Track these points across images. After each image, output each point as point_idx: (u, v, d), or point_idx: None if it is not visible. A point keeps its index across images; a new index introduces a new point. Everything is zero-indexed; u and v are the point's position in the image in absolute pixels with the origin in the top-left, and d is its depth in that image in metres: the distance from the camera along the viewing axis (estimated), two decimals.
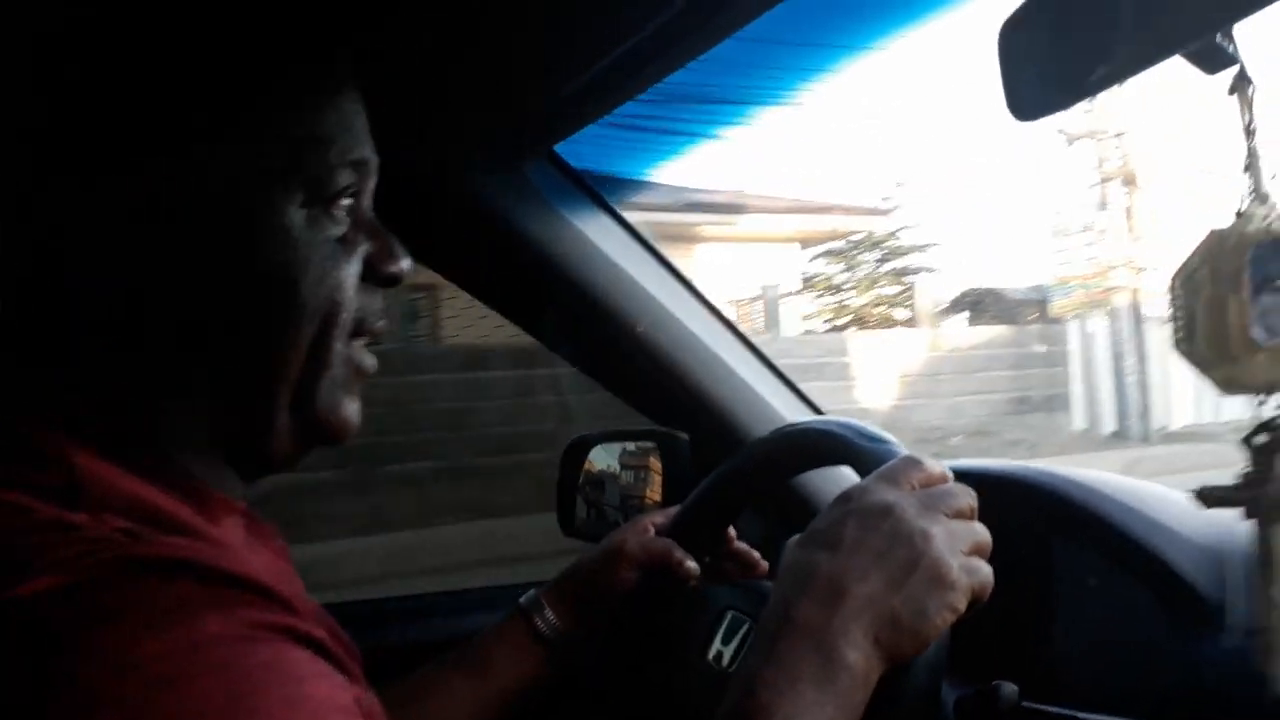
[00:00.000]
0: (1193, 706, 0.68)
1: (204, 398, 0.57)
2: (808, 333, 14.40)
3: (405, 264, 0.63)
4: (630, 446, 1.30)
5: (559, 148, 1.05)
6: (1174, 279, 0.52)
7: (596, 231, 1.09)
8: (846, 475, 1.15)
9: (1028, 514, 0.87)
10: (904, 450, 0.80)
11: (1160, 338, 12.30)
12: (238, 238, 0.55)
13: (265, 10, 0.57)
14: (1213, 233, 0.48)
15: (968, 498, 0.66)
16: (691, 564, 0.97)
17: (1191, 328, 0.49)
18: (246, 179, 0.56)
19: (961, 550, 0.63)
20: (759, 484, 1.02)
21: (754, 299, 13.46)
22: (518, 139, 1.00)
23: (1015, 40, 0.70)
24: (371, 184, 0.63)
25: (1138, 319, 12.57)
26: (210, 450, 0.59)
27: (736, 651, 0.88)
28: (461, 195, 1.03)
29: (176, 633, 0.43)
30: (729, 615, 0.91)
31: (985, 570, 0.63)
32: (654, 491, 1.24)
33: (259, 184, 0.56)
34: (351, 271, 0.60)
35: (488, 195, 1.03)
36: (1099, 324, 12.82)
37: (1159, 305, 11.63)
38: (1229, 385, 0.50)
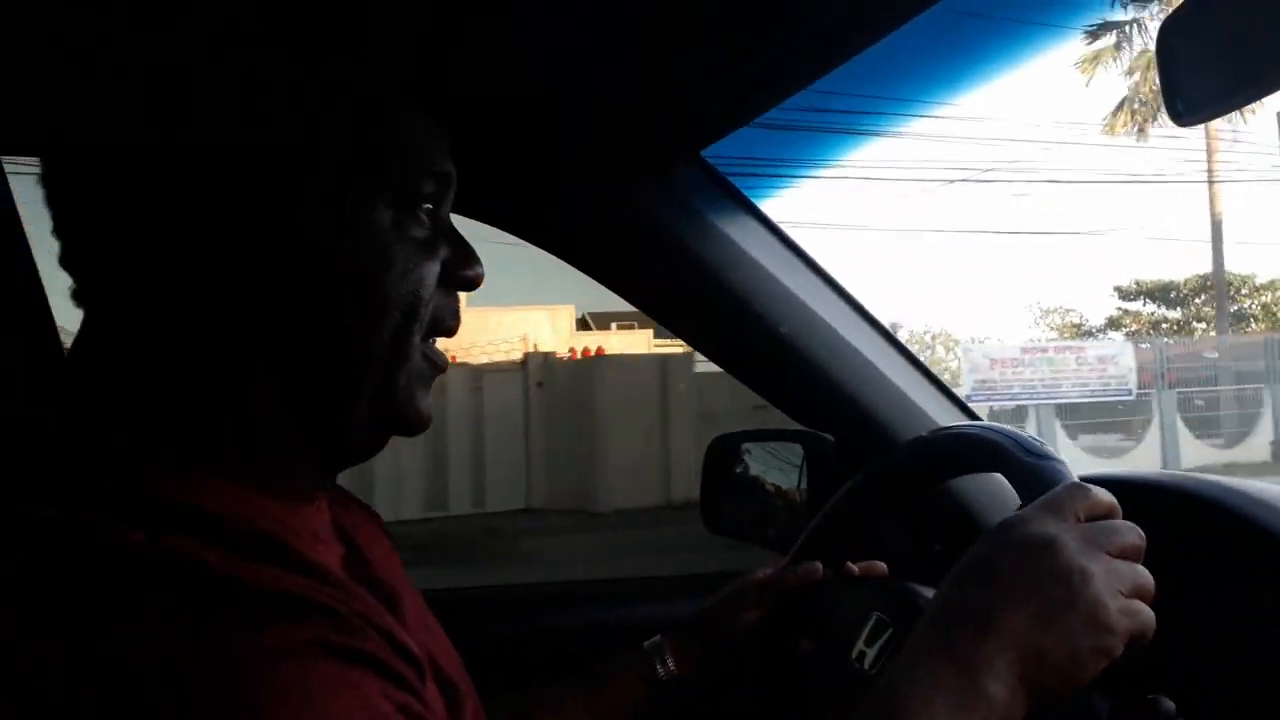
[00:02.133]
0: None
1: (288, 392, 0.59)
2: None
3: (480, 270, 0.67)
4: (776, 447, 1.31)
5: (706, 152, 1.07)
6: None
7: (743, 235, 1.10)
8: (1000, 482, 1.13)
9: (1191, 526, 0.83)
10: (1064, 464, 0.77)
11: None
12: (328, 234, 0.58)
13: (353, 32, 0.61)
14: None
15: (1134, 535, 0.63)
16: (808, 566, 0.98)
17: None
18: (338, 181, 0.58)
19: (1121, 591, 0.60)
20: (907, 487, 1.01)
21: None
22: (664, 148, 1.03)
23: (1178, 40, 0.68)
24: (451, 195, 0.66)
25: None
26: (292, 444, 0.60)
27: (879, 655, 0.88)
28: (611, 201, 1.07)
29: (202, 654, 0.44)
30: (874, 617, 0.91)
31: (1146, 614, 0.60)
32: (799, 493, 1.25)
33: (350, 185, 0.59)
34: (432, 270, 0.63)
35: (637, 201, 1.06)
36: None
37: None
38: None
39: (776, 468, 1.31)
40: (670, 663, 0.98)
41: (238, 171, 0.56)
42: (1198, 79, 0.67)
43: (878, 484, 0.99)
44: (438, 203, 0.65)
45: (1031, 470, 0.75)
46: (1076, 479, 0.77)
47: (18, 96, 0.72)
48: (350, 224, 0.59)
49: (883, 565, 1.01)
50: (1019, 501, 0.98)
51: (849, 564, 1.01)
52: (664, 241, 1.08)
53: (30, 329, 1.18)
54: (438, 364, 0.66)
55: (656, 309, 1.21)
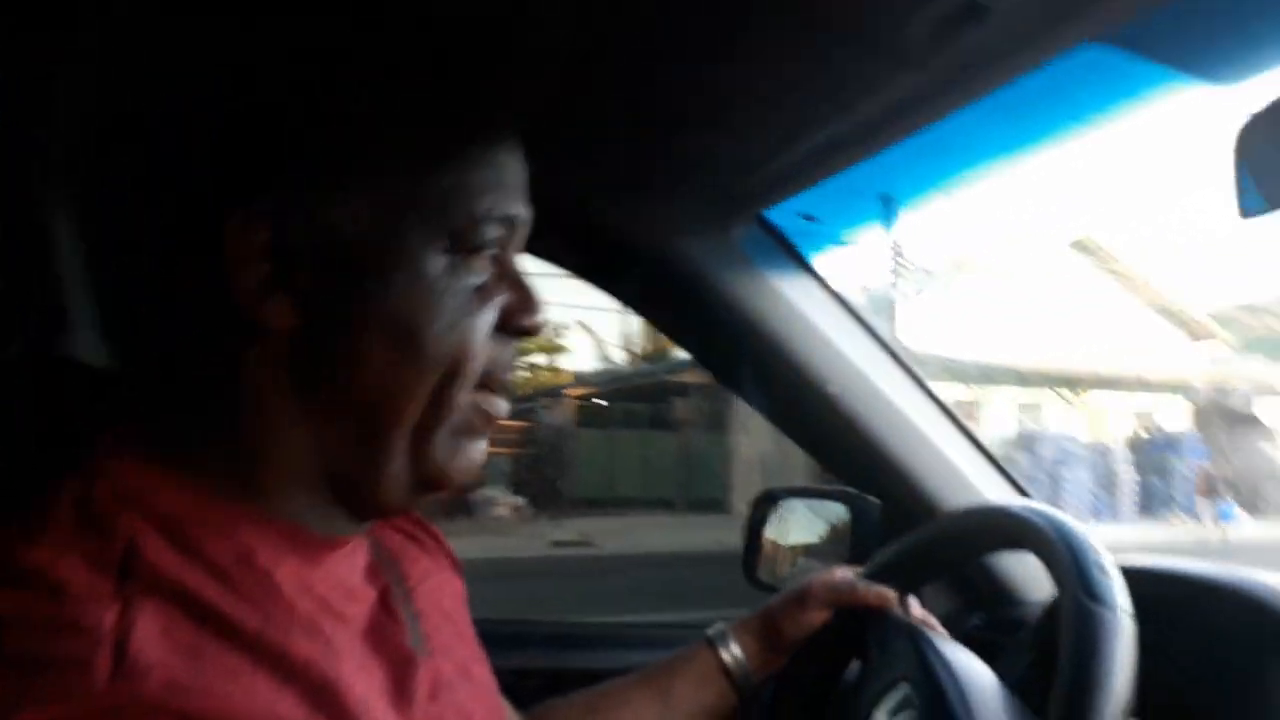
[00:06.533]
0: None
1: (319, 438, 0.56)
2: None
3: (540, 317, 0.62)
4: (820, 505, 1.31)
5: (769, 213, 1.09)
6: None
7: (797, 294, 1.11)
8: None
9: (1251, 629, 0.81)
10: (1101, 548, 0.76)
11: None
12: (373, 279, 0.55)
13: (424, 66, 0.57)
14: None
15: None
16: (884, 590, 0.94)
17: None
18: (390, 223, 0.55)
19: None
20: (947, 557, 1.00)
21: None
22: (726, 206, 1.04)
23: (1257, 134, 0.67)
24: (521, 237, 0.62)
25: None
26: (319, 493, 0.58)
27: None
28: (672, 256, 1.09)
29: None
30: (904, 689, 0.89)
31: None
32: (841, 552, 1.24)
33: (403, 229, 0.55)
34: (484, 321, 0.58)
35: (696, 257, 1.08)
36: None
37: None
38: None
39: (822, 526, 1.30)
40: (736, 650, 0.95)
41: (279, 208, 0.53)
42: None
43: (914, 554, 0.98)
44: (503, 246, 0.60)
45: (1062, 553, 0.74)
46: (1110, 561, 0.76)
47: None
48: (397, 273, 0.55)
49: (937, 625, 0.98)
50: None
51: (912, 601, 0.97)
52: (721, 296, 1.10)
53: None
54: (489, 416, 0.61)
55: (710, 360, 1.22)
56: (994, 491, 1.16)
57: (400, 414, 0.57)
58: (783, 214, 1.08)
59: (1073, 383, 18.45)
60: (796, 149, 0.91)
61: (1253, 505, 17.89)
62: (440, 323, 0.56)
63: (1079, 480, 17.07)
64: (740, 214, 1.07)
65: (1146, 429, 19.40)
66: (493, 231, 0.58)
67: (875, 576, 0.99)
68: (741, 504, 16.58)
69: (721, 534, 12.31)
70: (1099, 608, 0.72)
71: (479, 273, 0.58)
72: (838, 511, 1.24)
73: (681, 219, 1.07)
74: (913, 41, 0.65)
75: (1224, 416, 19.60)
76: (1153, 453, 18.32)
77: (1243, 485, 17.89)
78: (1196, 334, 20.36)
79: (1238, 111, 0.66)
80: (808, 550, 1.31)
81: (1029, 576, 1.14)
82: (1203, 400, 19.90)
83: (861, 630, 0.96)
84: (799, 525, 1.33)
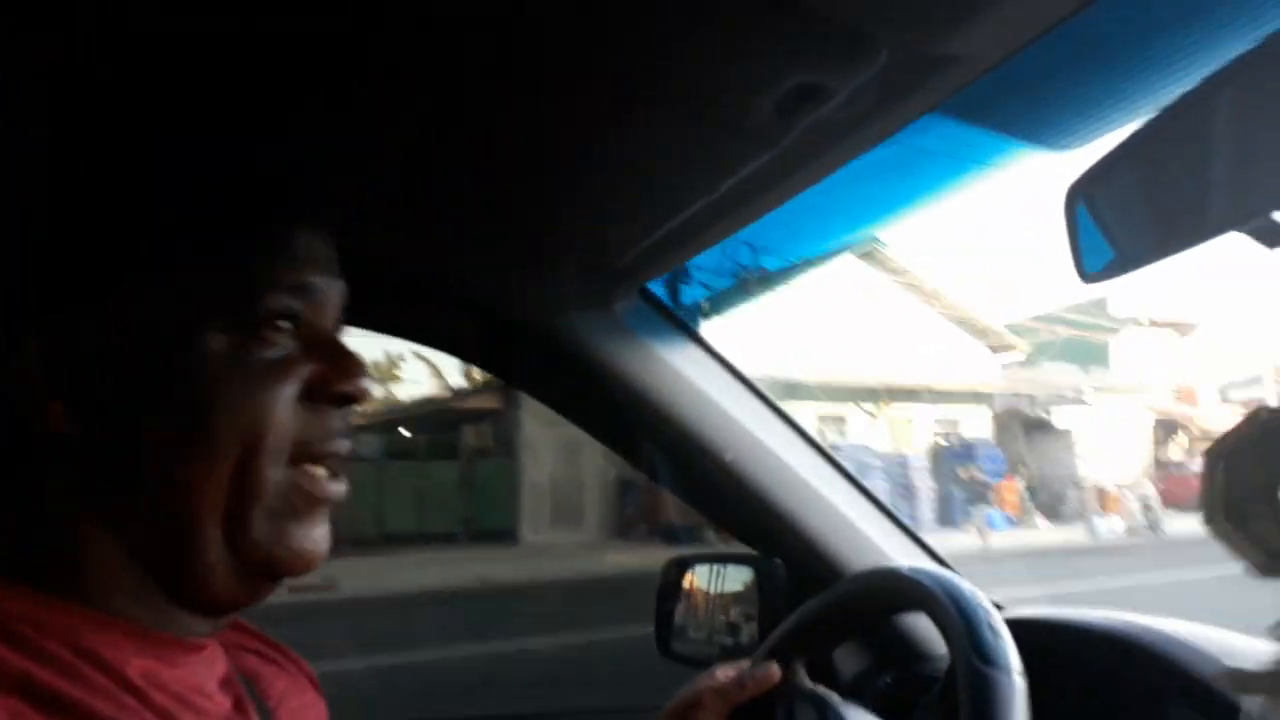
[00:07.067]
0: None
1: (130, 538, 0.55)
2: None
3: (360, 383, 0.60)
4: (728, 569, 1.30)
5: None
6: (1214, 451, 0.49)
7: (685, 363, 1.11)
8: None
9: (1138, 675, 0.83)
10: (992, 610, 0.77)
11: None
12: (152, 375, 0.54)
13: (202, 148, 0.59)
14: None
15: None
16: (769, 670, 0.94)
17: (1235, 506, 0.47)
18: (160, 320, 0.55)
19: None
20: (845, 624, 1.00)
21: None
22: (607, 281, 1.04)
23: (1092, 198, 0.69)
24: (330, 305, 0.61)
25: None
26: (150, 593, 0.56)
27: None
28: (557, 332, 1.09)
29: None
30: None
31: None
32: (752, 616, 1.24)
33: (175, 321, 0.55)
34: (283, 393, 0.57)
35: (581, 333, 1.08)
36: None
37: None
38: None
39: (729, 591, 1.29)
40: None
41: (44, 321, 0.54)
42: (1114, 237, 0.69)
43: (810, 624, 0.98)
44: (302, 316, 0.59)
45: (953, 615, 0.75)
46: (1000, 621, 0.77)
47: None
48: (176, 362, 0.55)
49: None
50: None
51: (803, 673, 0.97)
52: (608, 370, 1.10)
53: None
54: (312, 494, 0.58)
55: (605, 435, 1.21)
56: (894, 547, 1.17)
57: (201, 501, 0.55)
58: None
59: (874, 395, 18.59)
60: (671, 225, 0.92)
61: (1052, 509, 18.32)
62: (227, 401, 0.55)
63: (877, 491, 17.03)
64: (622, 287, 1.07)
65: (946, 438, 19.60)
66: (279, 302, 0.57)
67: (775, 651, 0.99)
68: (530, 534, 16.01)
69: (495, 568, 11.98)
70: (992, 671, 0.73)
71: (276, 346, 0.57)
72: (746, 575, 1.25)
73: (564, 296, 1.07)
74: (759, 121, 0.67)
75: (1022, 424, 20.26)
76: (950, 462, 18.53)
77: (1041, 490, 18.46)
78: (993, 343, 20.87)
79: (1062, 172, 0.68)
80: (720, 617, 1.30)
81: (937, 632, 1.14)
82: (1001, 408, 20.42)
83: (767, 710, 0.95)
84: (709, 592, 1.32)
